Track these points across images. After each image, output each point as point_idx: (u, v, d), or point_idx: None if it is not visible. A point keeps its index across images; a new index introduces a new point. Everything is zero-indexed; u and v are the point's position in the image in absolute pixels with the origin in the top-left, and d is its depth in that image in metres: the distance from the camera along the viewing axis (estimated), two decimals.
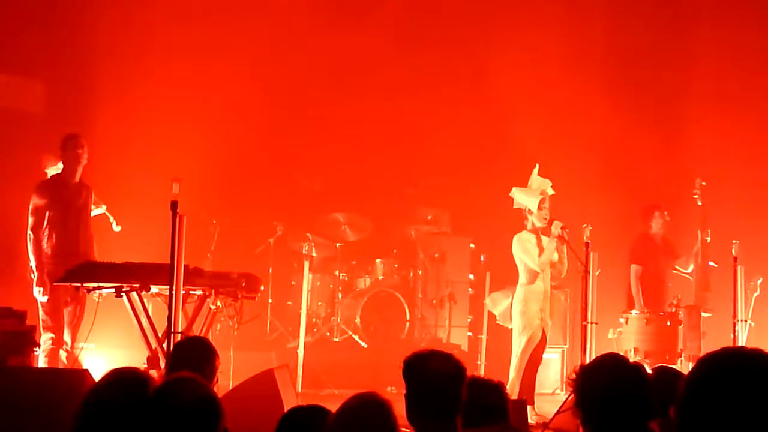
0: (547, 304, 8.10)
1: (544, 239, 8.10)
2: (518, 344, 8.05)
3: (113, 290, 6.68)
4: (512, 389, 7.63)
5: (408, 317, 10.50)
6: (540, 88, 10.97)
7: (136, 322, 6.73)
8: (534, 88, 10.92)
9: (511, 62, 10.97)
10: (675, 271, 9.63)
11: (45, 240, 7.74)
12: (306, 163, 11.30)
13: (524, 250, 8.09)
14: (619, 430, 3.09)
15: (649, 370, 3.54)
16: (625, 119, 11.06)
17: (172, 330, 6.01)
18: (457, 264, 11.07)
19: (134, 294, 6.65)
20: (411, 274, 10.94)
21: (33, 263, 7.69)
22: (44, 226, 7.75)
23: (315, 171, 11.28)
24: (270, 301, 10.42)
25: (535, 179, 8.19)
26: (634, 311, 9.15)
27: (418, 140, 11.38)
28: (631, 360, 3.38)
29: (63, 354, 7.65)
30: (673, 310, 9.07)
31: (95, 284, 6.74)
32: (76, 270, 6.77)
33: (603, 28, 11.56)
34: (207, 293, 6.88)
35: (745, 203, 10.60)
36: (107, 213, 8.23)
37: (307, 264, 9.57)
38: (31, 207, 7.80)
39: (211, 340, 5.25)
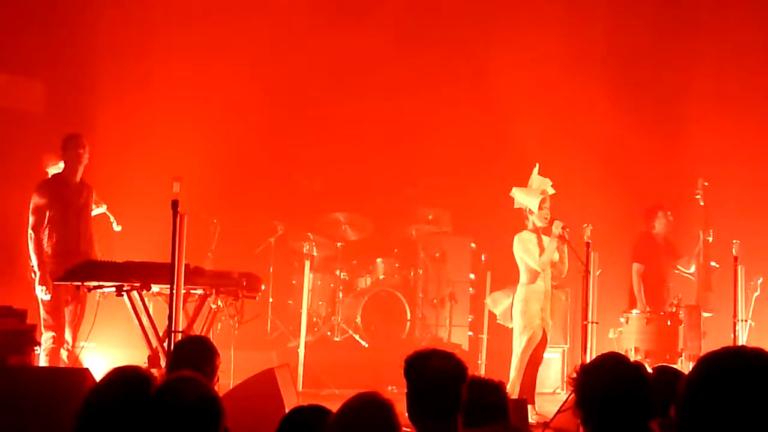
0: (548, 304, 8.11)
1: (545, 239, 8.11)
2: (519, 344, 8.06)
3: (114, 289, 6.69)
4: (513, 389, 7.64)
5: (409, 317, 10.50)
6: (540, 88, 10.97)
7: (136, 321, 6.73)
8: (534, 88, 10.92)
9: (511, 62, 10.97)
10: (677, 271, 9.63)
11: (46, 239, 7.74)
12: (306, 162, 11.30)
13: (525, 250, 8.09)
14: (619, 429, 3.09)
15: (649, 370, 3.54)
16: (625, 119, 11.06)
17: (173, 329, 6.02)
18: (457, 263, 11.07)
19: (135, 293, 6.65)
20: (412, 274, 10.94)
21: (34, 262, 7.69)
22: (45, 226, 7.75)
23: (315, 171, 11.28)
24: (271, 300, 10.43)
25: (536, 179, 8.19)
26: (634, 311, 9.15)
27: (418, 140, 11.38)
28: (632, 359, 3.38)
29: (64, 353, 7.65)
30: (674, 309, 9.07)
31: (96, 283, 6.75)
32: (77, 269, 6.77)
33: (603, 28, 11.57)
34: (208, 292, 6.88)
35: (745, 203, 10.60)
36: (108, 213, 8.23)
37: (307, 263, 9.57)
38: (31, 206, 7.79)
39: (211, 339, 5.25)
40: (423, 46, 11.43)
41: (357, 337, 10.20)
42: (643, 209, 9.78)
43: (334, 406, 3.21)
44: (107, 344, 8.56)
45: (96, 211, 8.15)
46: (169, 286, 6.11)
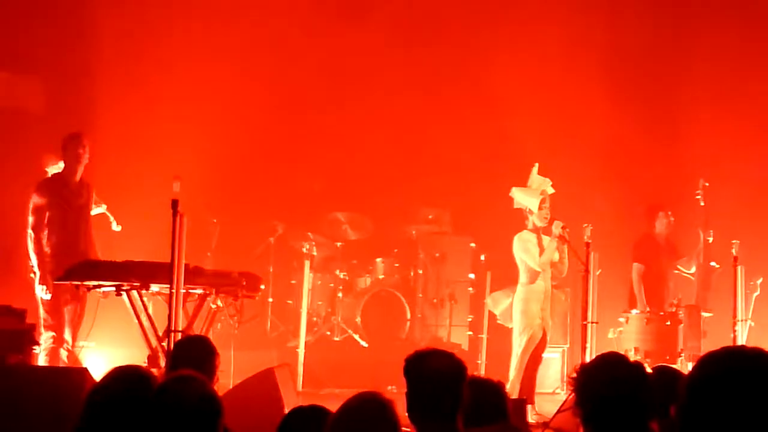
0: (548, 304, 8.11)
1: (545, 239, 8.10)
2: (518, 344, 8.05)
3: (113, 289, 6.69)
4: (512, 389, 7.63)
5: (408, 316, 10.49)
6: (540, 88, 10.96)
7: (136, 320, 6.73)
8: (534, 87, 10.91)
9: (511, 62, 10.96)
10: (677, 271, 9.63)
11: (45, 239, 7.73)
12: (306, 162, 11.29)
13: (525, 250, 8.09)
14: (619, 429, 3.08)
15: (649, 370, 3.54)
16: (625, 119, 11.05)
17: (173, 329, 6.02)
18: (457, 263, 11.06)
19: (135, 293, 6.66)
20: (412, 274, 10.94)
21: (34, 262, 7.69)
22: (45, 225, 7.74)
23: (315, 170, 11.28)
24: (270, 300, 10.43)
25: (535, 178, 8.19)
26: (634, 311, 9.15)
27: (418, 140, 11.38)
28: (632, 359, 3.38)
29: (63, 353, 7.65)
30: (674, 309, 9.07)
31: (95, 283, 6.75)
32: (77, 268, 6.78)
33: (603, 27, 11.54)
34: (207, 292, 6.88)
35: (745, 203, 10.59)
36: (107, 213, 8.22)
37: (307, 263, 9.57)
38: (31, 206, 7.79)
39: (211, 339, 5.24)
40: (423, 46, 11.42)
41: (357, 337, 10.19)
42: (644, 210, 9.78)
43: (333, 406, 3.20)
44: (107, 344, 8.57)
45: (96, 210, 8.14)
46: (168, 285, 6.12)
